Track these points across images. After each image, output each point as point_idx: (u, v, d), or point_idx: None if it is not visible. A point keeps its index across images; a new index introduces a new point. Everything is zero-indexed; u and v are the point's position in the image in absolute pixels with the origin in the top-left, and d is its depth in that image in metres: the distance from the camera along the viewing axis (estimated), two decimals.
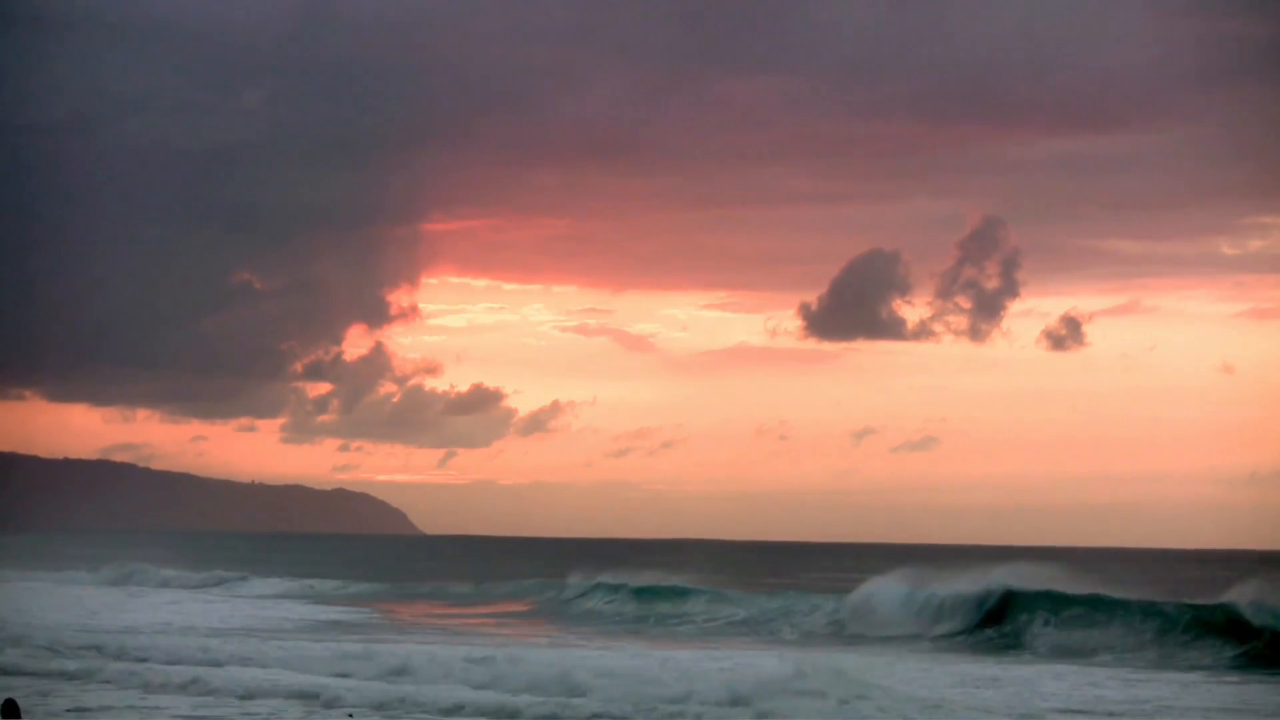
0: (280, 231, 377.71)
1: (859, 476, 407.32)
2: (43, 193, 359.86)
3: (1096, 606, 58.35)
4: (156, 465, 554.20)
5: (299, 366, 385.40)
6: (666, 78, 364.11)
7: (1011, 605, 60.64)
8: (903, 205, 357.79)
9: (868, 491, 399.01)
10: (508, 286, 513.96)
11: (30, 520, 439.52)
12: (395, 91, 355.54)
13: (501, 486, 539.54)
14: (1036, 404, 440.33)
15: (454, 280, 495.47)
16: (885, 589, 64.65)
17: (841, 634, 62.66)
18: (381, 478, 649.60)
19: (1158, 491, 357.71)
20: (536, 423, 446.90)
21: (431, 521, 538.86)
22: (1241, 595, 54.43)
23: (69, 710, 33.18)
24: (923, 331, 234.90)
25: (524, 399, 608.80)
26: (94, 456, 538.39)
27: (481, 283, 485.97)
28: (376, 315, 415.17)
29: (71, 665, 41.44)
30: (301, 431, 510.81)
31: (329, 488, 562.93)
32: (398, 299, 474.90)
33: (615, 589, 78.09)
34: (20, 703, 31.34)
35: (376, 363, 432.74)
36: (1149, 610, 56.67)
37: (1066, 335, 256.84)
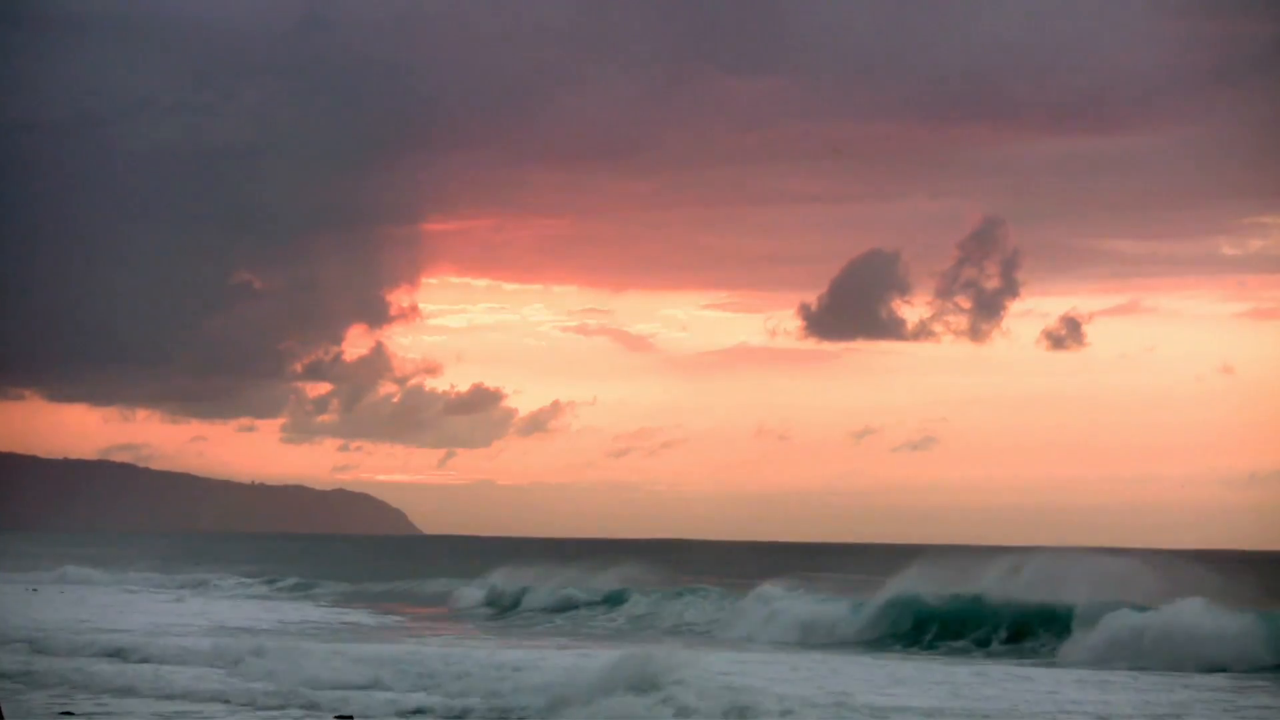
0: (280, 231, 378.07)
1: (859, 477, 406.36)
2: (42, 192, 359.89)
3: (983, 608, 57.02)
4: (156, 465, 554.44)
5: (299, 366, 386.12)
6: (668, 78, 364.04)
7: (905, 609, 59.02)
8: (903, 205, 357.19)
9: (868, 492, 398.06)
10: (508, 286, 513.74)
11: (30, 520, 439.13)
12: (395, 91, 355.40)
13: (501, 486, 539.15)
14: (1036, 404, 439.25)
15: (454, 280, 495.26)
16: (773, 592, 64.13)
17: (719, 633, 62.29)
18: (381, 478, 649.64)
19: (1157, 492, 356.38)
20: (536, 423, 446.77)
21: (431, 521, 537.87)
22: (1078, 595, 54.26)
23: (61, 713, 32.92)
24: (922, 331, 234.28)
25: (524, 399, 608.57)
26: (93, 457, 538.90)
27: (481, 283, 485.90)
28: (376, 315, 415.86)
29: (58, 666, 41.51)
30: (301, 431, 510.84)
31: (329, 488, 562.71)
32: (397, 299, 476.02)
33: (519, 592, 79.10)
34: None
35: (376, 363, 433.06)
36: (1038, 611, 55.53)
37: (1066, 335, 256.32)
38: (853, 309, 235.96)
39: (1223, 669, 45.78)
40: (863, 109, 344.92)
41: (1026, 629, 54.49)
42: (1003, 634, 54.75)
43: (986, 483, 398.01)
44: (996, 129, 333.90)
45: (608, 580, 77.26)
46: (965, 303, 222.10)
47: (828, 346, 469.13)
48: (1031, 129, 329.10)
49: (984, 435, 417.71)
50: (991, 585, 56.91)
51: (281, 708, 34.39)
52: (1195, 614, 48.23)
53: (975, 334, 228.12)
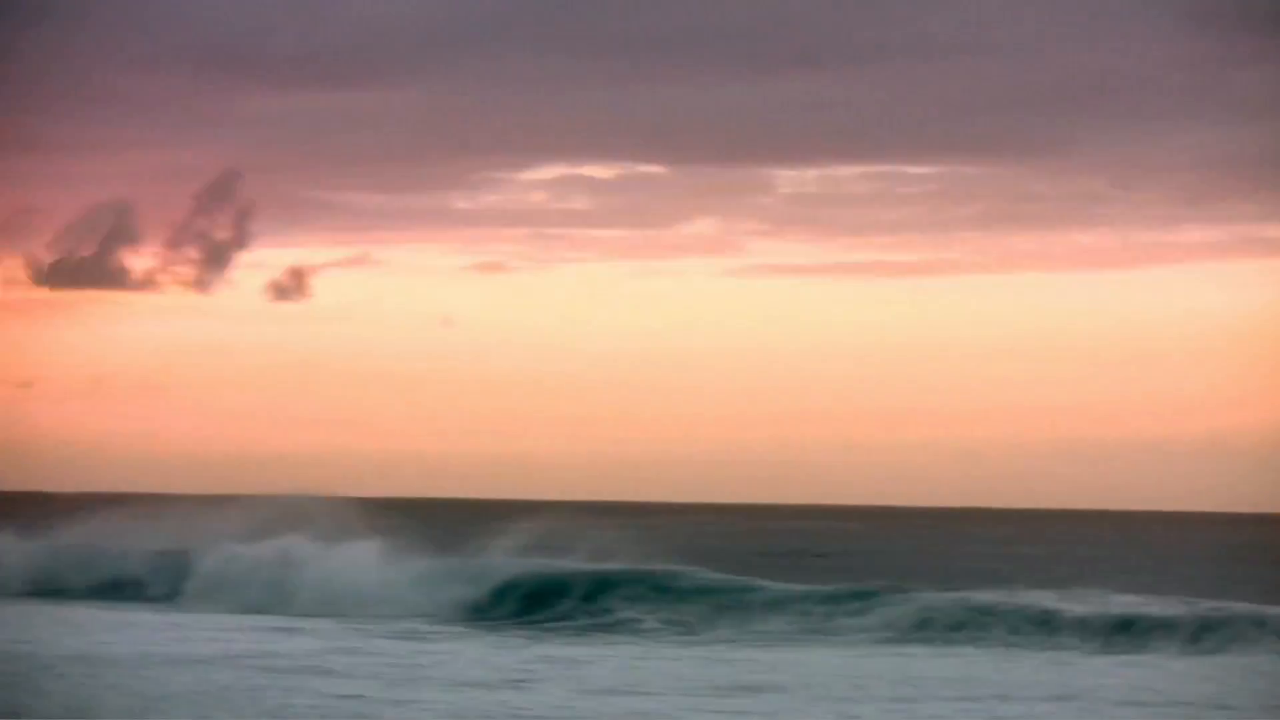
0: None
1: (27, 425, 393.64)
2: None
3: None
4: None
5: None
6: None
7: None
8: (147, 156, 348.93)
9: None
10: None
11: None
12: None
13: None
14: (258, 354, 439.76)
15: None
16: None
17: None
18: None
19: (367, 440, 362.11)
20: None
21: None
22: None
23: None
24: (148, 282, 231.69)
25: None
26: None
27: None
28: None
29: None
30: None
31: None
32: None
33: None
34: None
35: None
36: None
37: (291, 287, 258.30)
38: (82, 260, 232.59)
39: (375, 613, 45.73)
40: (132, 62, 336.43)
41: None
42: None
43: (177, 432, 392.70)
44: (251, 83, 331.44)
45: None
46: (195, 254, 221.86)
47: (58, 296, 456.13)
48: (284, 82, 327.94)
49: (203, 385, 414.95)
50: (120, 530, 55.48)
51: None
52: (359, 559, 48.42)
53: (200, 285, 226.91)
